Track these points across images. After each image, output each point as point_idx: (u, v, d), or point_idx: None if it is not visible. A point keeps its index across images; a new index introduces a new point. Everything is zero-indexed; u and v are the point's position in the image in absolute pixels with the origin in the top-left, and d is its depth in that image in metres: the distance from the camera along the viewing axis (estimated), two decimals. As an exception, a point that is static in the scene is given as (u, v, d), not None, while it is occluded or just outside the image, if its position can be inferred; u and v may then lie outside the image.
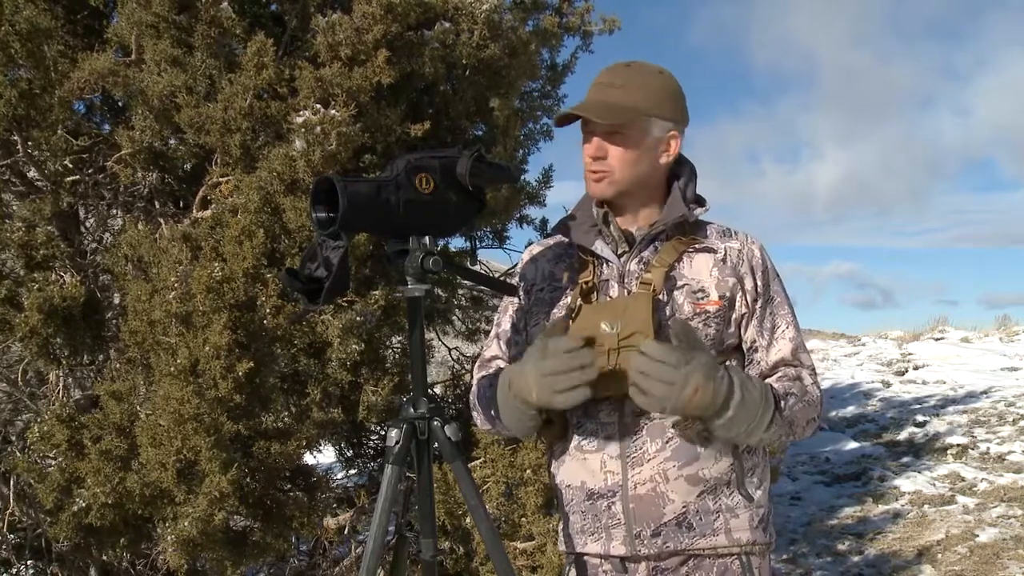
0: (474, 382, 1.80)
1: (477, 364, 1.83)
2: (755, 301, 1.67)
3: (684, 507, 1.61)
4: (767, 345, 1.67)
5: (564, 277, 1.73)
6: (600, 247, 1.68)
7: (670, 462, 1.61)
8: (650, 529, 1.61)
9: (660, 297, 1.62)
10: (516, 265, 1.91)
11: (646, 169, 1.67)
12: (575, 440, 1.68)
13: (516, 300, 1.79)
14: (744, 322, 1.68)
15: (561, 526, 1.74)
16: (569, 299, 1.68)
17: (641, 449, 1.62)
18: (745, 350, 1.70)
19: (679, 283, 1.65)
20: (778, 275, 1.73)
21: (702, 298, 1.64)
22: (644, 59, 1.72)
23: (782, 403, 1.58)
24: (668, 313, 1.63)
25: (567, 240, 1.74)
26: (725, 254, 1.68)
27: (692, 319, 1.63)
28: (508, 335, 1.79)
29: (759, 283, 1.68)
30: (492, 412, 1.70)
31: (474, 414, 1.80)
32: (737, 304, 1.67)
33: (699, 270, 1.66)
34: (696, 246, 1.67)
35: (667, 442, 1.61)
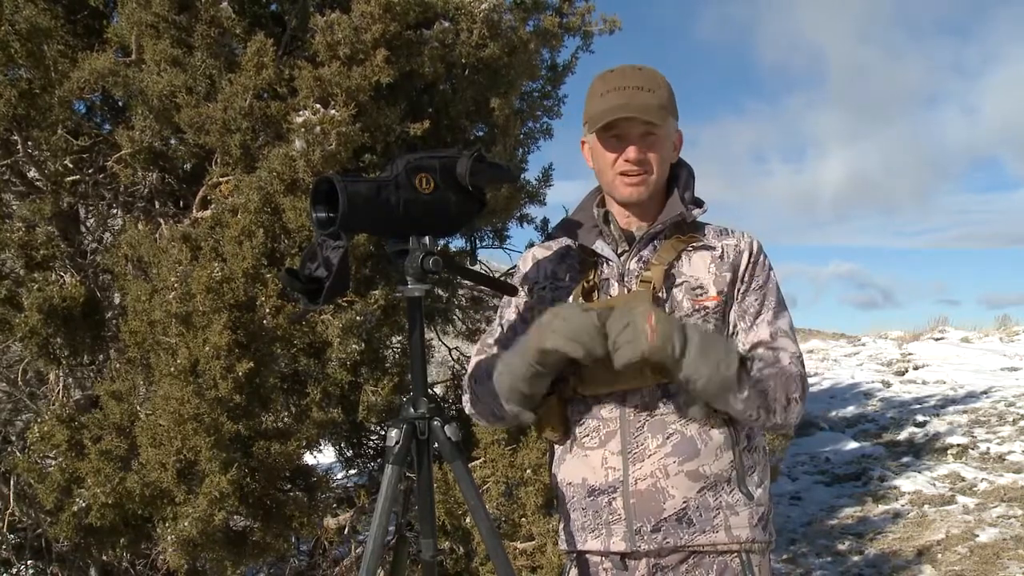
0: (471, 363, 1.81)
1: (476, 349, 1.84)
2: (739, 288, 1.69)
3: (684, 503, 1.62)
4: (747, 328, 1.68)
5: (566, 277, 1.75)
6: (600, 247, 1.71)
7: (671, 458, 1.62)
8: (650, 524, 1.62)
9: (660, 295, 1.64)
10: (516, 265, 1.92)
11: (666, 169, 1.71)
12: (576, 437, 1.70)
13: (519, 298, 1.80)
14: (727, 310, 1.69)
15: (561, 525, 1.75)
16: (571, 298, 1.70)
17: (642, 445, 1.63)
18: (728, 335, 1.70)
19: (678, 280, 1.67)
20: (771, 268, 1.74)
21: (701, 295, 1.66)
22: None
23: (748, 363, 1.57)
24: (667, 311, 1.64)
25: (568, 242, 1.76)
26: (723, 251, 1.70)
27: (691, 315, 1.64)
28: (512, 323, 1.80)
29: (745, 273, 1.70)
30: (485, 388, 1.70)
31: (465, 397, 1.80)
32: (731, 298, 1.69)
33: (697, 267, 1.68)
34: (694, 244, 1.70)
35: (668, 438, 1.62)
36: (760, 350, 1.65)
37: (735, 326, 1.68)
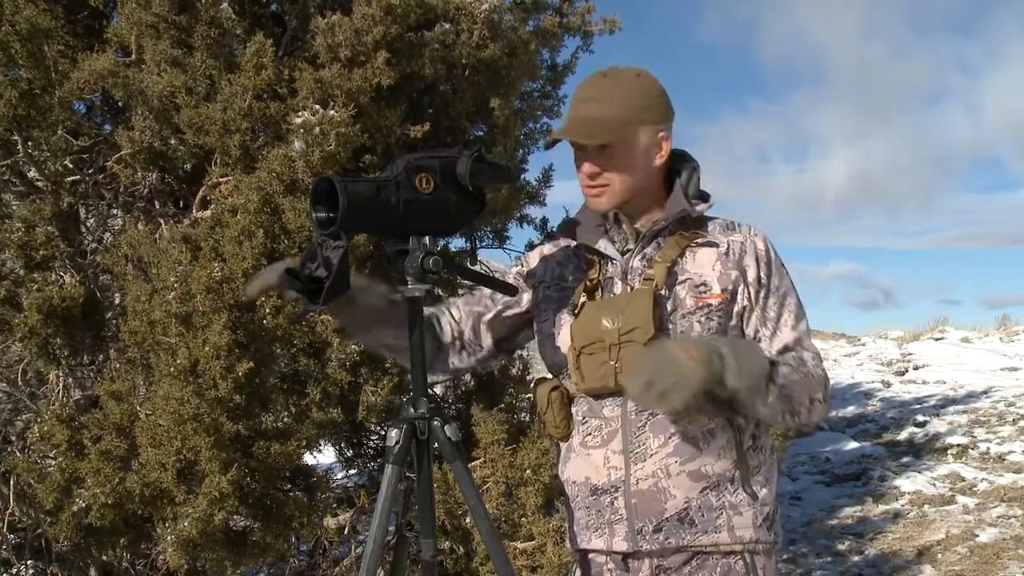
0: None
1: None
2: (758, 292, 1.67)
3: (686, 503, 1.62)
4: (770, 335, 1.67)
5: (570, 278, 1.74)
6: (604, 245, 1.69)
7: (672, 458, 1.62)
8: (652, 525, 1.62)
9: (662, 293, 1.63)
10: (520, 257, 1.92)
11: (643, 176, 1.67)
12: (579, 436, 1.70)
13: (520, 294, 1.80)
14: (746, 315, 1.67)
15: (567, 524, 1.75)
16: (575, 297, 1.70)
17: (644, 445, 1.63)
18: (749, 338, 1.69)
19: (681, 278, 1.65)
20: (783, 266, 1.72)
21: (704, 292, 1.64)
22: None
23: (776, 367, 1.58)
24: (670, 308, 1.63)
25: (573, 241, 1.75)
26: (728, 247, 1.68)
27: (694, 313, 1.63)
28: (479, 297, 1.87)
29: (762, 274, 1.67)
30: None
31: None
32: (739, 297, 1.66)
33: (701, 264, 1.66)
34: (698, 240, 1.68)
35: (669, 438, 1.62)
36: (787, 355, 1.65)
37: (757, 332, 1.67)
